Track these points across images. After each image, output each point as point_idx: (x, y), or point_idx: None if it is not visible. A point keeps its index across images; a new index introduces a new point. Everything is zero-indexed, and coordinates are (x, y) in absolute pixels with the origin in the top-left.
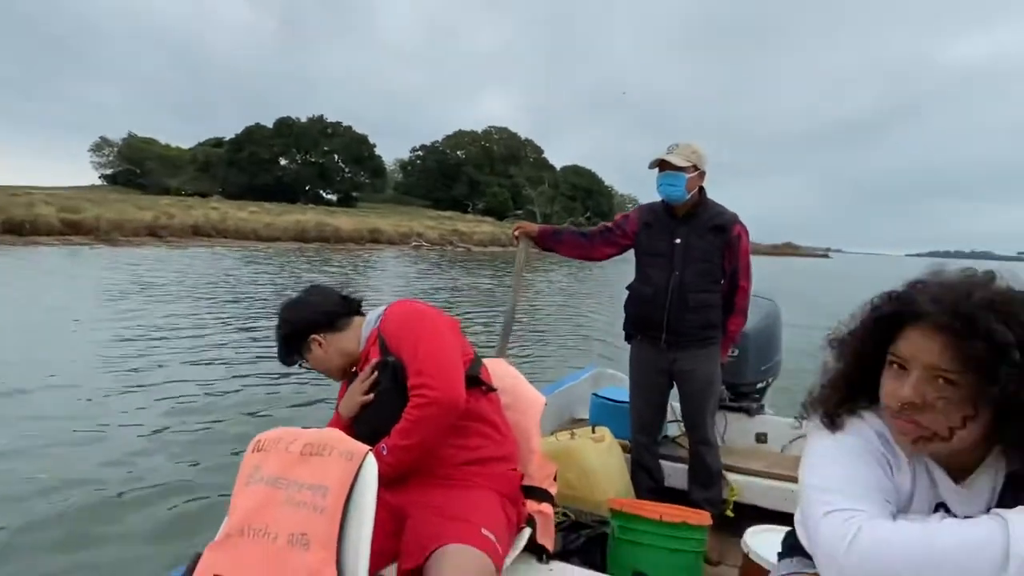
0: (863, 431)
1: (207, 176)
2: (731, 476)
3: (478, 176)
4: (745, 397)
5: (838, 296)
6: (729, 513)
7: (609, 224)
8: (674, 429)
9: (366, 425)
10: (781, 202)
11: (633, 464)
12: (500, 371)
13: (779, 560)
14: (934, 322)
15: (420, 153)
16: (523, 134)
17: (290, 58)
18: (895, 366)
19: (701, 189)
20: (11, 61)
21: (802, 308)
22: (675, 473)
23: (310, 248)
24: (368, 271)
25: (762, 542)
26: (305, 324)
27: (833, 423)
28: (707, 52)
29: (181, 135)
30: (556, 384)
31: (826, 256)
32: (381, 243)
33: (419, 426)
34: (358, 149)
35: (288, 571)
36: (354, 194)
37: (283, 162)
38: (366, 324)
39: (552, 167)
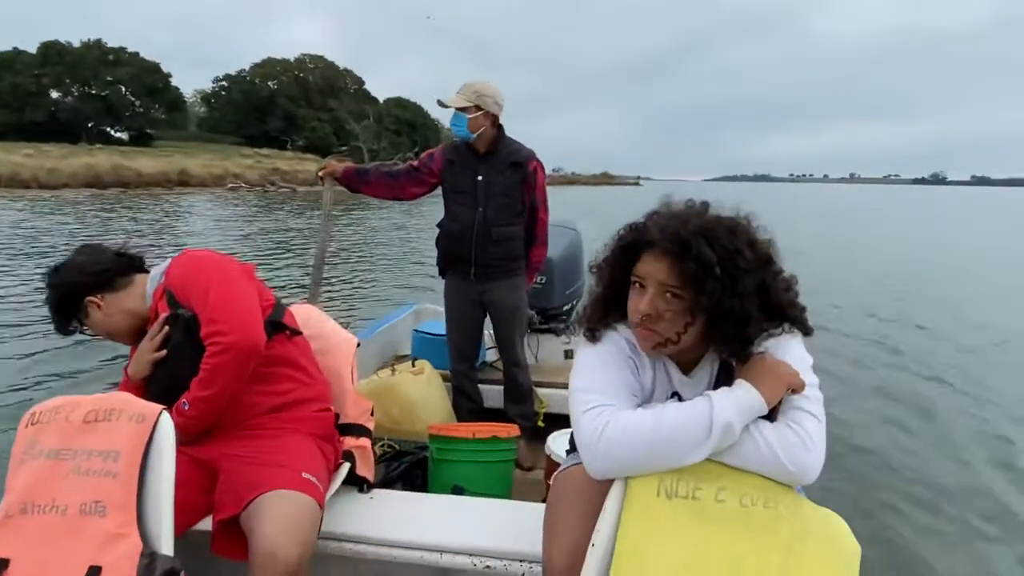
0: (616, 340)
1: None
2: (542, 391)
3: (294, 110)
4: (554, 319)
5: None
6: (540, 424)
7: (415, 163)
8: (492, 355)
9: (160, 384)
10: (599, 133)
11: (454, 391)
12: (311, 317)
13: (567, 456)
14: (661, 247)
15: (224, 84)
16: (340, 63)
17: None
18: (637, 285)
19: (500, 127)
20: None
21: (610, 232)
22: (493, 395)
23: (107, 195)
24: (183, 217)
25: (561, 444)
26: (75, 287)
27: (594, 336)
28: None
29: None
30: (379, 323)
31: (637, 184)
32: (192, 186)
33: (218, 374)
34: (150, 80)
35: (84, 540)
36: (149, 131)
37: (55, 95)
38: (151, 280)
39: (375, 100)
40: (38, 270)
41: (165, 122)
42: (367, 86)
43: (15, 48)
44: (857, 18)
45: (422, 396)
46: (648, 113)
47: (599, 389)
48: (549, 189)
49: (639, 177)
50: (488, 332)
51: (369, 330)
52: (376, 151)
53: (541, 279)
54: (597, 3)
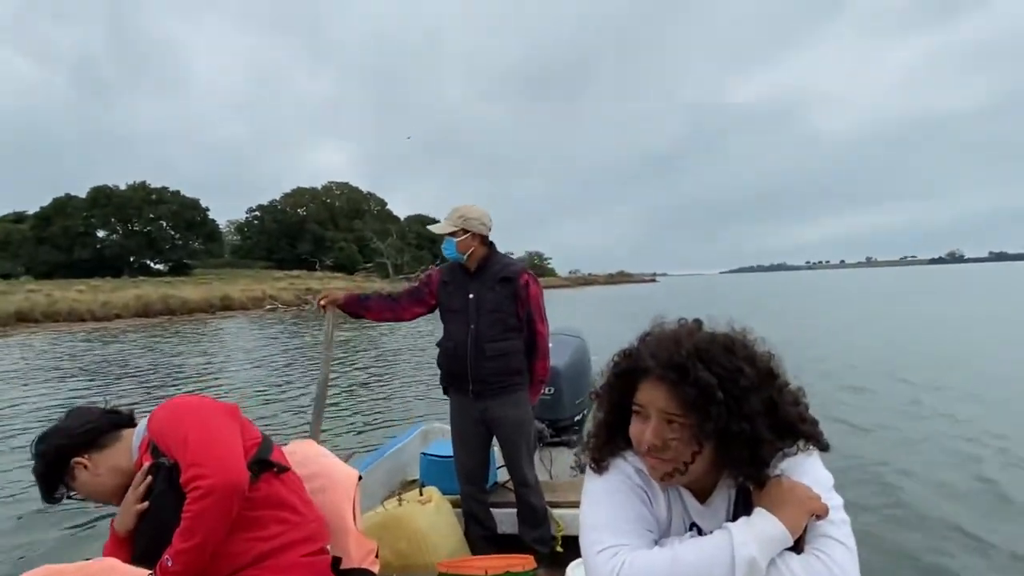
0: (624, 469)
1: (6, 255)
2: (557, 512)
3: (322, 232)
4: (565, 431)
5: (660, 310)
6: (559, 549)
7: (416, 284)
8: (503, 475)
9: (146, 537)
10: (613, 234)
11: (465, 517)
12: (309, 453)
13: None
14: (656, 374)
15: (257, 213)
16: (363, 186)
17: (95, 119)
18: (638, 413)
19: (490, 245)
20: None
21: (628, 331)
22: (508, 519)
23: (155, 323)
24: (225, 340)
25: (583, 574)
26: (61, 451)
27: (599, 466)
28: (531, 98)
29: None
30: (385, 447)
31: (653, 280)
32: (233, 309)
33: (199, 521)
34: (189, 215)
35: None
36: (187, 261)
37: (101, 234)
38: (136, 434)
39: (397, 218)
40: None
41: (202, 252)
42: (389, 206)
43: (67, 194)
44: (853, 109)
45: (431, 526)
46: (661, 210)
47: (611, 526)
48: (566, 292)
49: (655, 273)
50: (497, 451)
51: (374, 456)
52: (400, 265)
53: (549, 390)
54: (604, 107)
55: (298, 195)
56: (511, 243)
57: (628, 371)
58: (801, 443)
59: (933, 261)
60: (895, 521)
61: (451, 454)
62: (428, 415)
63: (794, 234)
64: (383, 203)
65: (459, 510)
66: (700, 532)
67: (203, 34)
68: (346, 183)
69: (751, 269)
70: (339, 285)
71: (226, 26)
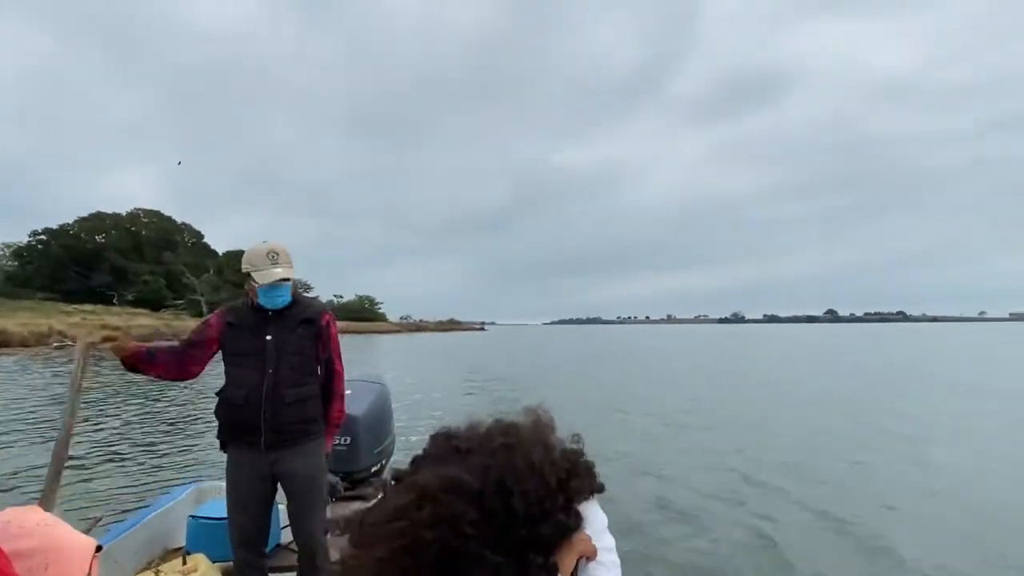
0: None
1: None
2: None
3: (124, 263)
4: (361, 484)
5: (485, 358)
6: None
7: (195, 331)
8: (286, 536)
9: None
10: (444, 282)
11: None
12: (27, 523)
13: None
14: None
15: (43, 237)
16: (176, 216)
17: None
18: None
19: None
20: None
21: (459, 373)
22: None
23: None
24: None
25: None
26: None
27: None
28: (366, 144)
29: None
30: (146, 511)
31: (482, 329)
32: (11, 346)
33: None
34: None
35: None
36: None
37: None
38: None
39: (215, 252)
40: None
41: None
42: (206, 239)
43: None
44: (657, 184)
45: None
46: (490, 263)
47: None
48: (397, 337)
49: (484, 322)
50: (281, 507)
51: (132, 522)
52: (215, 303)
53: (345, 440)
54: (438, 159)
55: (96, 220)
56: (340, 286)
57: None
58: None
59: (721, 320)
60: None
61: (225, 515)
62: (203, 476)
63: (607, 291)
64: (199, 235)
65: None
66: None
67: None
68: (156, 211)
69: (571, 321)
70: (143, 323)
71: (18, 19)
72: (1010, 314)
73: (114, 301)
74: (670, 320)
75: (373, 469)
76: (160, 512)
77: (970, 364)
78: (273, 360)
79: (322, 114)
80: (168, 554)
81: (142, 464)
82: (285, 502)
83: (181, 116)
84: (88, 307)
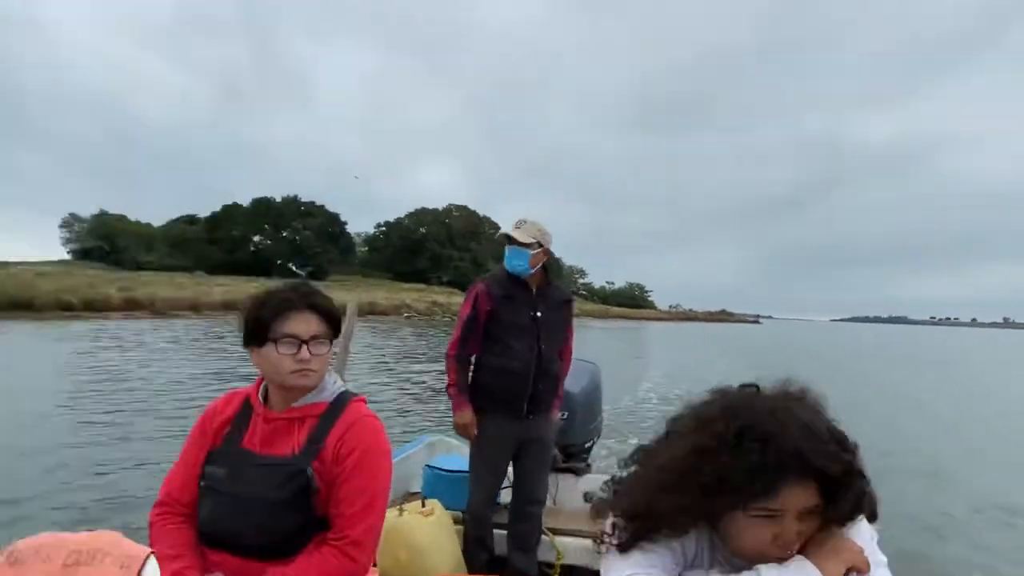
0: (671, 549)
1: (180, 252)
2: (559, 539)
3: (440, 251)
4: (574, 458)
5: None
6: None
7: (466, 318)
8: (505, 496)
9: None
10: (717, 271)
11: (471, 537)
12: None
13: None
14: (804, 474)
15: (384, 229)
16: (476, 207)
17: (236, 130)
18: (771, 517)
19: (546, 266)
20: None
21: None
22: (500, 540)
23: None
24: (398, 336)
25: None
26: None
27: (636, 548)
28: (641, 130)
29: (134, 210)
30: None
31: (756, 322)
32: (377, 314)
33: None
34: (331, 227)
35: None
36: (324, 269)
37: (256, 238)
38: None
39: None
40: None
41: (338, 260)
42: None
43: (234, 203)
44: (994, 156)
45: (431, 541)
46: (769, 252)
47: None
48: (666, 325)
49: (759, 315)
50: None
51: None
52: None
53: (564, 414)
54: (718, 141)
55: (420, 214)
56: (611, 272)
57: (765, 469)
58: None
59: None
60: None
61: (458, 469)
62: (429, 426)
63: (913, 286)
64: (497, 227)
65: (458, 527)
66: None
67: (332, 53)
68: (464, 206)
69: (866, 319)
70: (458, 300)
71: (353, 45)
72: None
73: (431, 282)
74: (1007, 324)
75: (587, 445)
76: (401, 458)
77: None
78: (544, 336)
79: (602, 102)
80: (407, 496)
81: (386, 411)
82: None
83: (477, 115)
84: (419, 286)
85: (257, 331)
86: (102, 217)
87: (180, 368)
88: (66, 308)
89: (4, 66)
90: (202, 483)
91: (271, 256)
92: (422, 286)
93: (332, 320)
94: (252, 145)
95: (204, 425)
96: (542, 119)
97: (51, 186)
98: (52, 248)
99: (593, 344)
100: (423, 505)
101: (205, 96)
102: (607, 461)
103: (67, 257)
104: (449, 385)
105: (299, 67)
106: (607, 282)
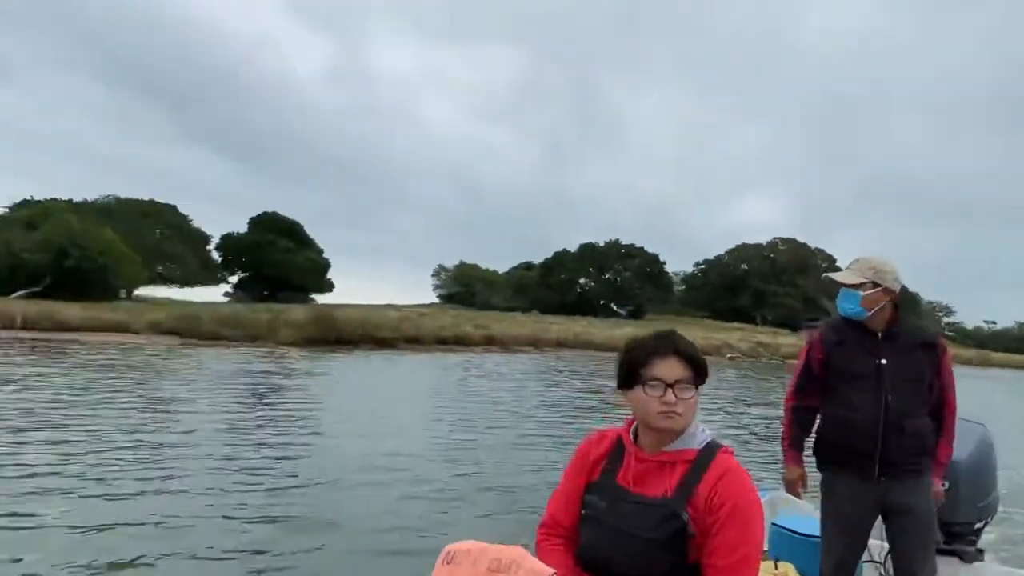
0: None
1: (519, 295)
2: None
3: (763, 287)
4: (958, 539)
5: None
6: None
7: (801, 366)
8: (868, 571)
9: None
10: None
11: None
12: None
13: None
14: None
15: (703, 267)
16: (805, 239)
17: (562, 182)
18: None
19: (896, 306)
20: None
21: None
22: None
23: None
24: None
25: None
26: None
27: None
28: (1009, 128)
29: (484, 259)
30: None
31: None
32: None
33: None
34: (651, 268)
35: None
36: (642, 308)
37: (582, 281)
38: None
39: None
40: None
41: (656, 299)
42: (838, 263)
43: (564, 249)
44: None
45: None
46: None
47: None
48: None
49: None
50: (872, 544)
51: None
52: None
53: (944, 484)
54: None
55: (741, 250)
56: (992, 309)
57: None
58: None
59: None
60: None
61: (807, 532)
62: (766, 479)
63: None
64: (832, 259)
65: None
66: None
67: (648, 101)
68: (792, 239)
69: None
70: (788, 341)
71: (667, 90)
72: None
73: (756, 321)
74: None
75: (976, 526)
76: None
77: None
78: (889, 386)
79: (954, 103)
80: None
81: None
82: (878, 537)
83: (800, 137)
84: (740, 326)
85: (628, 375)
86: (461, 267)
87: (537, 397)
88: (441, 342)
89: (388, 151)
90: (584, 511)
91: (595, 297)
92: (744, 325)
93: (696, 366)
94: (577, 194)
95: (582, 459)
96: (879, 131)
97: (423, 242)
98: (424, 293)
99: (968, 397)
100: (776, 567)
101: (538, 155)
102: (1009, 550)
103: (436, 300)
104: (782, 437)
105: (616, 117)
106: (985, 321)
